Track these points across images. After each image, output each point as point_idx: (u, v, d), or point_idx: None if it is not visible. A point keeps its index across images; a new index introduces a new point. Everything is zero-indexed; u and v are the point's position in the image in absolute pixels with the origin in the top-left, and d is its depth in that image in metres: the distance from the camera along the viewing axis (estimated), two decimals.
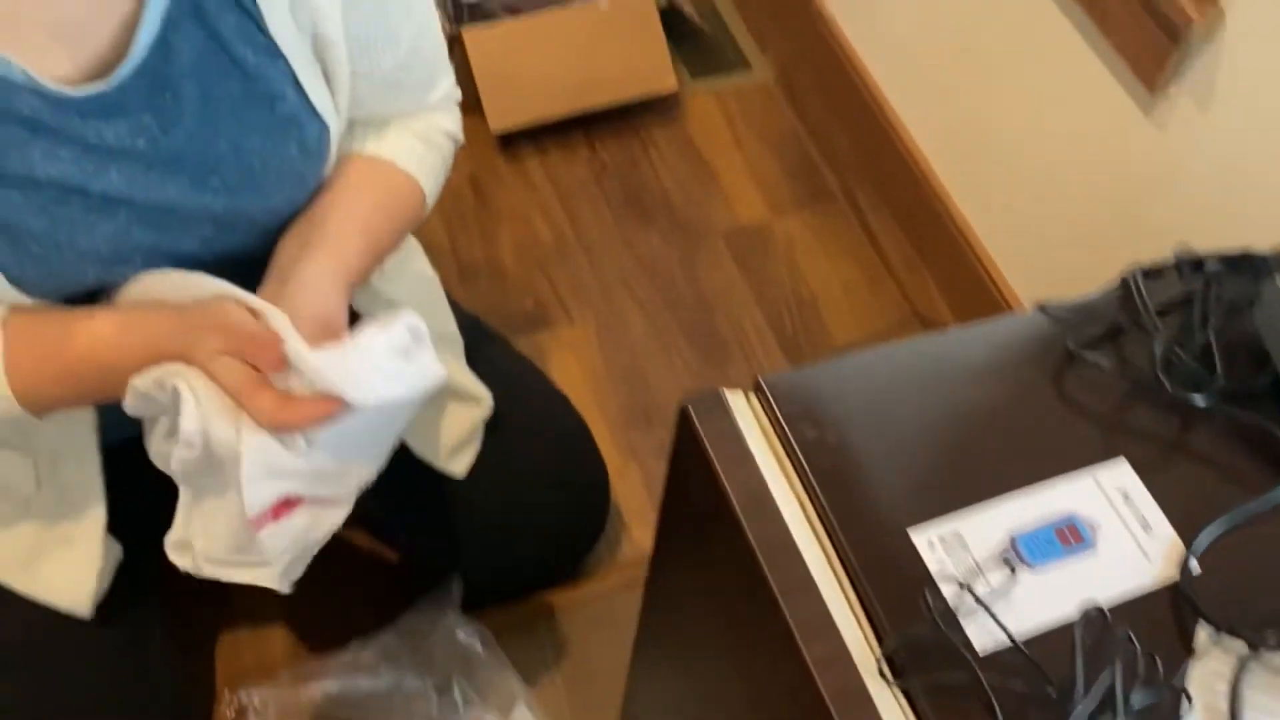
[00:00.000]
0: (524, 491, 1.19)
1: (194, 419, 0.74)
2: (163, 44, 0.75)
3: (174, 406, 0.75)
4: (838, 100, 1.87)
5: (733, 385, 0.66)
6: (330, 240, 0.87)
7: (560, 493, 1.23)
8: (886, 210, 1.79)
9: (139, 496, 0.92)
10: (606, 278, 1.70)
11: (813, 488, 0.62)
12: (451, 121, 1.02)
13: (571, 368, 1.60)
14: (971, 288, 1.65)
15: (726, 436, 0.64)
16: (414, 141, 0.98)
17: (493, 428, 1.16)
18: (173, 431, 0.76)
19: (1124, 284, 0.75)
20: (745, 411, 0.65)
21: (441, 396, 1.09)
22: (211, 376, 0.75)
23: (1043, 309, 0.72)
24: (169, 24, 0.75)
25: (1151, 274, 0.75)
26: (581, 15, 1.83)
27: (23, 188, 0.74)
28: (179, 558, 0.82)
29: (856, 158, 1.84)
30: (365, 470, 0.86)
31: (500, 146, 1.83)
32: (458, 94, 1.03)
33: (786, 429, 0.63)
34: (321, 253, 0.86)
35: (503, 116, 1.79)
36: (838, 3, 1.86)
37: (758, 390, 0.66)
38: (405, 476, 1.08)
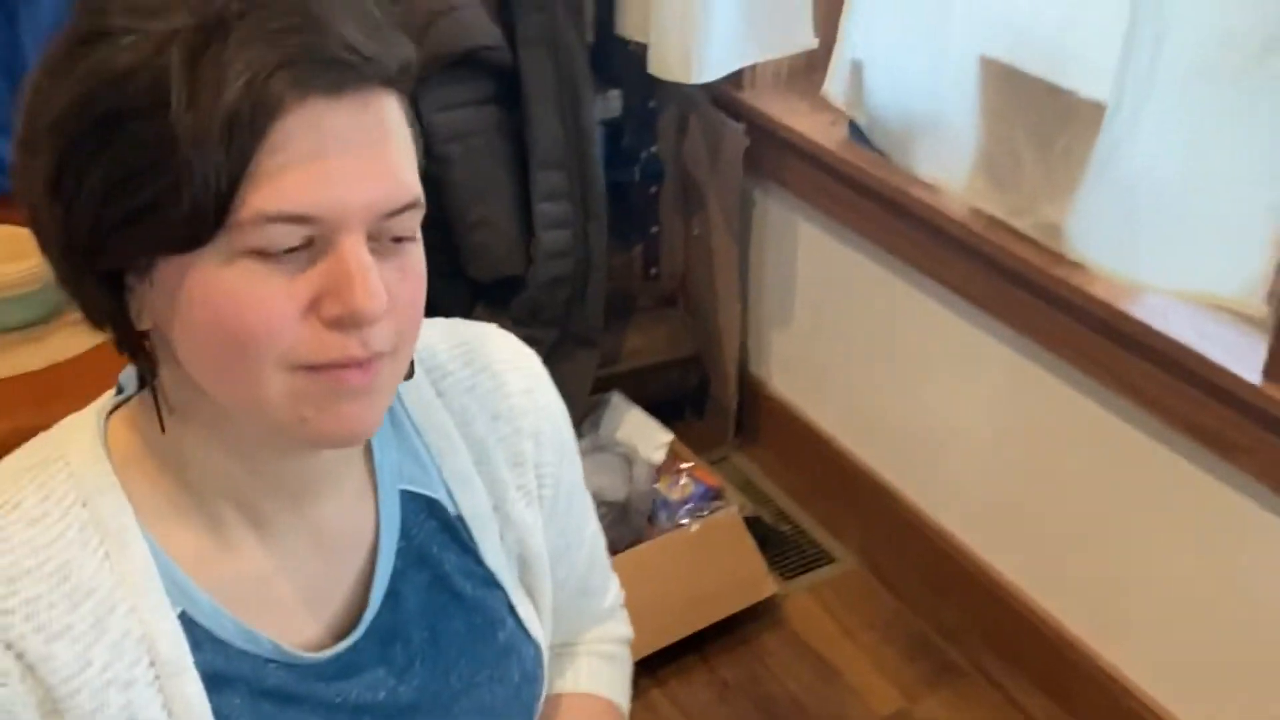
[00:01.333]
0: None
1: None
2: (392, 594, 0.77)
3: None
4: (933, 573, 1.89)
5: None
6: None
7: None
8: (1021, 673, 1.76)
9: None
10: None
11: None
12: (625, 626, 1.03)
13: None
14: None
15: None
16: (604, 665, 0.98)
17: None
18: None
19: None
20: None
21: None
22: None
23: None
24: (397, 574, 0.77)
25: None
26: (672, 541, 1.88)
27: None
28: None
29: (972, 626, 1.83)
30: None
31: None
32: (623, 594, 1.04)
33: None
34: None
35: None
36: (907, 480, 1.94)
37: None
38: None
